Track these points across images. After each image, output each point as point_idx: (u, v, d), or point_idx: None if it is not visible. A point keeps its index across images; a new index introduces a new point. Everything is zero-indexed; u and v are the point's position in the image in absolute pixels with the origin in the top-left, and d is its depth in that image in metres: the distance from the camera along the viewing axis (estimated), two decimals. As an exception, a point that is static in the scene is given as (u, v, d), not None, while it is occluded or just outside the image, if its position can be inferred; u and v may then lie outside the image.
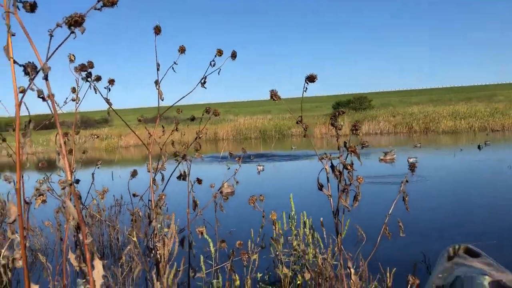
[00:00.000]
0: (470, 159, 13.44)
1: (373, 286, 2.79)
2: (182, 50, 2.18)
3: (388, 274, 2.72)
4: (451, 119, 32.02)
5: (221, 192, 2.27)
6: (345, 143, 1.74)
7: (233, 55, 2.20)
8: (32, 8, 1.08)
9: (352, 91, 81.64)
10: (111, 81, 2.07)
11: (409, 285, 2.08)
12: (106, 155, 27.21)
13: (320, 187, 1.85)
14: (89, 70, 1.61)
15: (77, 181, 2.38)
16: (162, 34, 2.03)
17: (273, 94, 1.80)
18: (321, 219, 3.16)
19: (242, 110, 70.17)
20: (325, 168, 1.81)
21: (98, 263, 1.22)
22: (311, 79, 1.71)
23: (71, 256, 1.37)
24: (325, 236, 3.16)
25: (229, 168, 2.57)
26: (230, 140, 34.95)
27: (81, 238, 1.21)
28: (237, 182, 2.59)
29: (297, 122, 1.95)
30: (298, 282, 3.09)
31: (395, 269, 2.79)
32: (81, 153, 2.85)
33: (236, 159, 2.67)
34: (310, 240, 3.06)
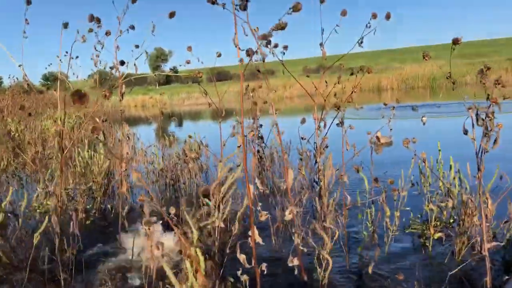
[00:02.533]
0: None
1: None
2: (344, 13, 2.65)
3: None
4: None
5: (374, 143, 2.42)
6: (488, 95, 2.13)
7: (387, 17, 2.62)
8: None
9: None
10: (286, 47, 2.58)
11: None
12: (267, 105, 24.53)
13: (465, 132, 2.23)
14: (269, 39, 1.90)
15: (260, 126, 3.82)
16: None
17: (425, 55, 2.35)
18: (468, 163, 3.24)
19: (409, 56, 64.48)
20: (471, 116, 2.18)
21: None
22: (455, 42, 2.17)
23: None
24: (470, 178, 3.22)
25: (383, 117, 2.78)
26: (395, 90, 32.32)
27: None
28: (390, 130, 2.92)
29: (447, 77, 2.29)
30: (444, 218, 3.26)
31: None
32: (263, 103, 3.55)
33: (391, 108, 3.01)
34: (457, 182, 3.23)
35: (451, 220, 3.15)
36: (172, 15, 2.72)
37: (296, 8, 1.84)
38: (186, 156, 5.20)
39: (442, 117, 11.83)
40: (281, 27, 1.85)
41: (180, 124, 20.39)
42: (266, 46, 2.14)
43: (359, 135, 2.93)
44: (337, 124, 2.91)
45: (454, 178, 3.19)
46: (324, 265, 2.16)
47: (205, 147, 4.89)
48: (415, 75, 34.72)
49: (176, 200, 4.81)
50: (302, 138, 3.43)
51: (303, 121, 2.94)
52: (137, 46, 3.10)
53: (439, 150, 3.46)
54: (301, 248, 2.07)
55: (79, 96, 1.44)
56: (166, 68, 71.99)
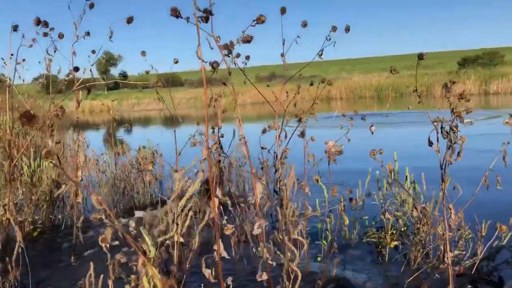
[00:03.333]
0: None
1: (467, 232, 2.90)
2: (304, 24, 2.63)
3: (483, 224, 2.82)
4: None
5: (327, 152, 2.43)
6: (452, 109, 2.18)
7: (347, 29, 2.66)
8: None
9: (481, 46, 79.08)
10: (248, 57, 2.62)
11: (497, 232, 2.57)
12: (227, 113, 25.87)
13: (430, 144, 2.26)
14: (231, 49, 1.91)
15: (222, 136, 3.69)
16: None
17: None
18: (423, 174, 3.39)
19: (358, 67, 70.00)
20: (436, 128, 2.23)
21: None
22: (420, 57, 2.23)
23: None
24: (425, 189, 3.36)
25: (342, 127, 2.92)
26: (344, 99, 33.31)
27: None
28: (348, 140, 3.02)
29: (414, 91, 2.47)
30: (400, 227, 3.31)
31: (490, 221, 2.83)
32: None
33: (348, 119, 3.10)
34: (411, 192, 3.30)
35: (404, 228, 3.25)
36: (130, 20, 2.65)
37: (259, 20, 1.84)
38: (140, 165, 5.07)
39: (392, 127, 12.32)
40: (247, 40, 1.86)
41: (130, 130, 19.95)
42: (228, 56, 2.14)
43: (315, 144, 2.99)
44: (299, 135, 2.94)
45: (409, 188, 3.29)
46: (292, 278, 2.16)
47: (159, 156, 4.79)
48: (363, 85, 35.70)
49: (130, 210, 4.67)
50: (262, 148, 3.42)
51: (264, 131, 2.95)
52: (93, 52, 2.99)
53: (395, 160, 3.56)
54: (270, 262, 2.05)
55: (27, 118, 1.34)
56: (115, 72, 70.63)
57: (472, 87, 29.56)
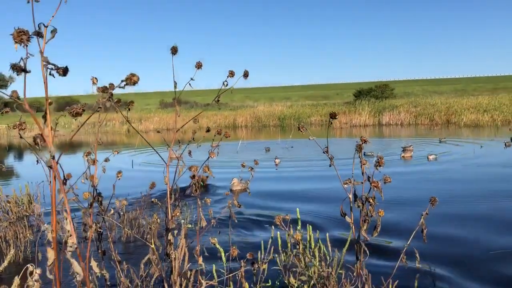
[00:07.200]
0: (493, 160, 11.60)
1: None
2: (199, 66, 2.28)
3: (390, 286, 2.56)
4: (474, 112, 29.63)
5: (231, 190, 1.95)
6: (368, 177, 1.88)
7: (245, 75, 2.33)
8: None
9: (374, 79, 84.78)
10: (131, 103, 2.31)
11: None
12: (127, 140, 26.49)
13: (343, 215, 2.00)
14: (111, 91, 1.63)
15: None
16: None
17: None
18: (327, 234, 3.27)
19: (262, 95, 69.96)
20: (349, 197, 1.95)
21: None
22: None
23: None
24: (330, 250, 3.10)
25: (244, 166, 2.47)
26: (249, 128, 34.15)
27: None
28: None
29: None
30: None
31: (397, 281, 2.62)
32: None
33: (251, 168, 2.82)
34: (316, 253, 2.96)
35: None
36: None
37: (130, 81, 1.58)
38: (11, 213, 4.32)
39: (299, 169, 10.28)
40: (133, 82, 1.60)
41: (20, 158, 18.39)
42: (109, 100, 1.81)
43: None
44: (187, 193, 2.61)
45: (314, 249, 3.01)
46: None
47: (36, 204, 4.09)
48: (268, 114, 36.77)
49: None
50: (152, 202, 3.00)
51: (152, 186, 2.49)
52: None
53: (298, 218, 3.28)
54: None
55: None
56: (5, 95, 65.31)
57: (367, 118, 31.63)
